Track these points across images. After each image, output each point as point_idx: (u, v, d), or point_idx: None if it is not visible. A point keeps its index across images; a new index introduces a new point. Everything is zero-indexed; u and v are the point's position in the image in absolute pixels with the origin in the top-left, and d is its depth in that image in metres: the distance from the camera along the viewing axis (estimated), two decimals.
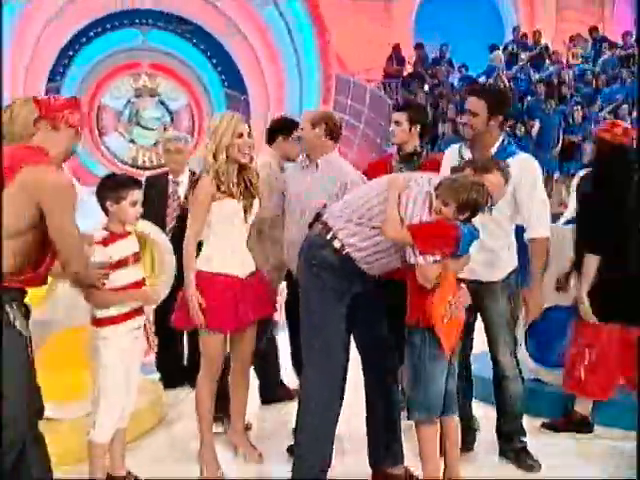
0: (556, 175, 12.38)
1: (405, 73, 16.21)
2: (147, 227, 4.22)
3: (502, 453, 3.91)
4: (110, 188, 3.41)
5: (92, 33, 14.66)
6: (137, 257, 3.50)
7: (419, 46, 16.41)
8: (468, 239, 3.31)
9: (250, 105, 14.99)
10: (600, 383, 4.19)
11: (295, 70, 14.91)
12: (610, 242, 4.05)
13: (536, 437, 4.08)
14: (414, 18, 18.08)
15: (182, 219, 4.30)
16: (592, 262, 4.05)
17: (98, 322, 3.39)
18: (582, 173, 9.73)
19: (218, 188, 3.51)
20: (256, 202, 3.66)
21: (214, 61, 15.33)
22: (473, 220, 3.34)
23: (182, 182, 5.07)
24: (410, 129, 4.10)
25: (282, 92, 15.02)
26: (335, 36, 15.90)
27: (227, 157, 3.50)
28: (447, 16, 17.04)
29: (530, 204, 3.68)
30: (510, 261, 3.82)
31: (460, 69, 16.11)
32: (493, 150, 3.76)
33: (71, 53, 14.64)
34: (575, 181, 9.35)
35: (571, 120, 12.92)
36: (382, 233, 3.30)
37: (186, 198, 4.70)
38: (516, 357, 3.89)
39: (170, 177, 5.07)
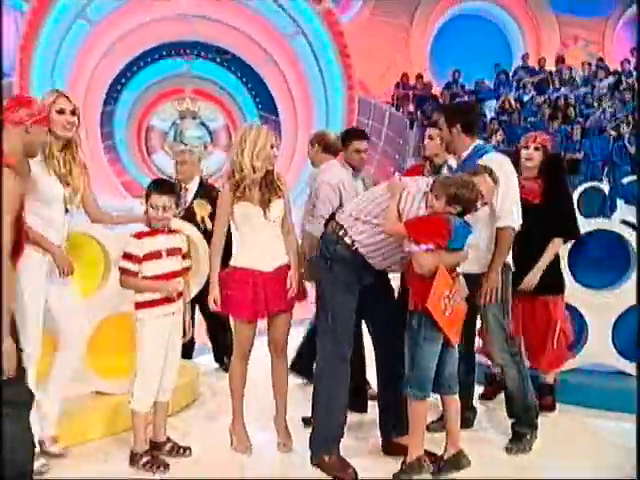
0: None
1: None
2: (186, 228, 4.28)
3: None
4: (153, 188, 3.66)
5: (142, 62, 15.04)
6: (173, 252, 3.65)
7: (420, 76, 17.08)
8: (461, 232, 3.39)
9: (281, 126, 15.23)
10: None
11: (322, 94, 15.11)
12: (572, 226, 4.38)
13: None
14: (430, 47, 18.46)
15: (188, 220, 4.66)
16: (558, 243, 4.33)
17: (137, 305, 3.61)
18: (582, 188, 10.22)
19: (235, 194, 3.61)
20: (277, 202, 3.66)
21: (249, 86, 15.64)
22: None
23: (190, 188, 5.28)
24: (441, 143, 4.17)
25: (310, 114, 15.22)
26: (359, 64, 16.30)
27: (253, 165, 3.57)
28: (461, 44, 17.39)
29: (498, 197, 3.69)
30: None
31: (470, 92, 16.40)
32: (465, 154, 3.91)
33: (124, 80, 15.02)
34: (577, 193, 9.83)
35: (572, 139, 13.27)
36: (382, 227, 3.45)
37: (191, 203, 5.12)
38: (509, 347, 3.90)
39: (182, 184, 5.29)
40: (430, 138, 4.42)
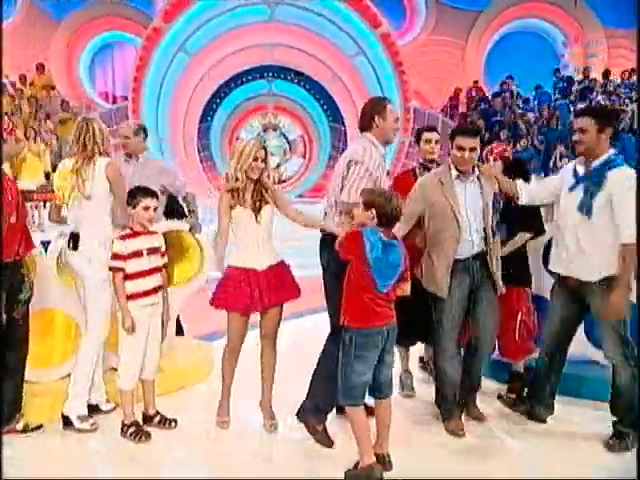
0: None
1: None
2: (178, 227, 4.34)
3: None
4: (130, 196, 3.49)
5: (233, 85, 15.31)
6: (153, 251, 3.53)
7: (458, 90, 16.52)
8: (376, 244, 2.98)
9: (347, 134, 15.10)
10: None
11: None
12: (536, 223, 4.02)
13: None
14: (485, 59, 17.75)
15: None
16: (521, 238, 3.96)
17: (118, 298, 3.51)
18: None
19: (231, 199, 3.47)
20: (267, 208, 3.52)
21: (320, 101, 15.60)
22: None
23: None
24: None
25: None
26: (420, 78, 15.99)
27: (246, 175, 3.45)
28: (514, 57, 16.72)
29: (623, 212, 3.24)
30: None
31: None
32: (597, 163, 3.37)
33: (218, 100, 15.34)
34: None
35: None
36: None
37: None
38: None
39: None
40: (436, 142, 4.16)
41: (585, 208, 3.36)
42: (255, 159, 3.43)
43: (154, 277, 3.61)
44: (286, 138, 16.25)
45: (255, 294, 3.49)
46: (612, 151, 3.40)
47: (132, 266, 3.51)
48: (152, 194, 3.58)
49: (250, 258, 3.54)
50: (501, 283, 3.62)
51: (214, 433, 3.67)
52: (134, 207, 3.53)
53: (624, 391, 3.45)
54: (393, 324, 3.13)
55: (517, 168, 4.15)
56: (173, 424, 3.73)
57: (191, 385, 4.37)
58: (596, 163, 3.38)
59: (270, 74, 15.33)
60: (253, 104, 15.66)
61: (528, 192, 3.70)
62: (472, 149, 3.48)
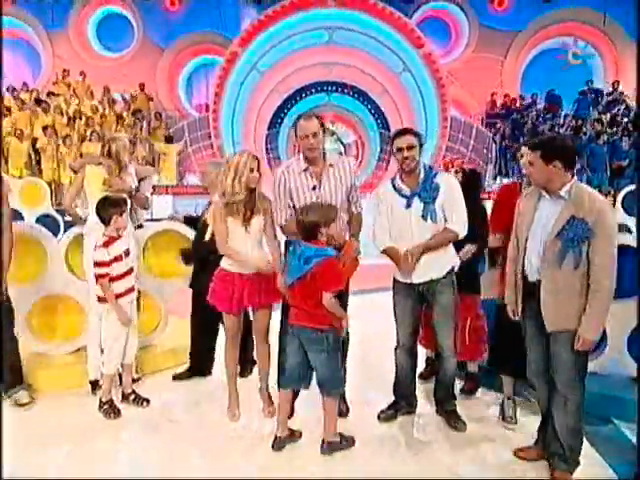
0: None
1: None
2: None
3: (437, 413, 3.30)
4: (115, 206, 3.25)
5: (298, 97, 14.85)
6: (128, 252, 3.32)
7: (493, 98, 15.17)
8: (291, 257, 2.77)
9: None
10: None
11: (422, 115, 14.07)
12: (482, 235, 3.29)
13: None
14: (522, 72, 16.30)
15: None
16: (471, 249, 3.39)
17: (99, 299, 3.32)
18: (627, 190, 8.46)
19: (224, 210, 3.08)
20: (257, 218, 3.09)
21: (372, 111, 14.91)
22: None
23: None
24: None
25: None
26: (463, 90, 15.01)
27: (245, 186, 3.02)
28: (549, 71, 15.33)
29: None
30: (451, 260, 3.11)
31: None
32: None
33: (285, 110, 14.92)
34: (621, 195, 8.16)
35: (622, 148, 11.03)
36: None
37: None
38: (455, 341, 3.13)
39: None
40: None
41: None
42: (251, 170, 3.02)
43: (131, 276, 3.41)
44: (342, 142, 15.67)
45: (235, 296, 3.13)
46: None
47: (115, 270, 3.28)
48: (126, 201, 3.39)
49: (238, 263, 3.13)
50: None
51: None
52: (120, 215, 3.26)
53: (448, 376, 3.20)
54: (300, 326, 2.83)
55: (473, 179, 3.60)
56: (145, 403, 3.46)
57: (182, 364, 4.06)
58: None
59: (328, 88, 14.77)
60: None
61: None
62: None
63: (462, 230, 2.99)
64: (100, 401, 3.36)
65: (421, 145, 3.01)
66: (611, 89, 14.29)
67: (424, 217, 2.98)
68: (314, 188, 3.05)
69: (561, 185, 2.52)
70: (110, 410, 3.32)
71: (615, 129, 11.44)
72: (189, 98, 17.02)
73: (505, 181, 12.50)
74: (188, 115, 15.65)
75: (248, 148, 14.57)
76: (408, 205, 3.00)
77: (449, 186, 2.99)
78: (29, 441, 2.99)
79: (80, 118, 12.39)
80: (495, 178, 12.59)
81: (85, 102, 13.43)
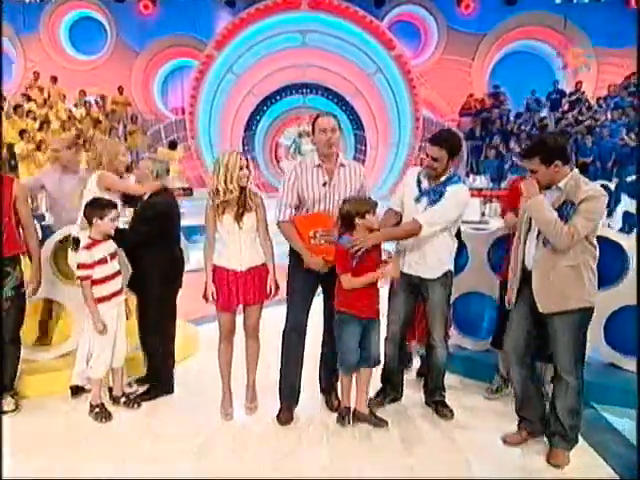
0: None
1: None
2: None
3: (425, 403, 3.31)
4: (97, 208, 3.13)
5: (273, 99, 14.81)
6: (113, 256, 3.19)
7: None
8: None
9: (367, 139, 14.60)
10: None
11: (395, 115, 14.19)
12: None
13: None
14: (489, 74, 16.55)
15: None
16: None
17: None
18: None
19: (217, 209, 3.05)
20: (249, 215, 3.05)
21: (347, 112, 14.87)
22: None
23: None
24: None
25: (387, 130, 14.39)
26: (433, 92, 15.16)
27: (237, 184, 2.97)
28: (515, 72, 15.52)
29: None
30: (442, 266, 3.09)
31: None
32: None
33: (261, 113, 14.86)
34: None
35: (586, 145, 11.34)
36: None
37: None
38: (446, 332, 3.19)
39: None
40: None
41: None
42: (241, 168, 2.98)
43: (117, 280, 3.23)
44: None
45: (232, 292, 3.10)
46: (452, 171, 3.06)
47: (98, 273, 3.14)
48: (115, 205, 3.22)
49: (231, 259, 3.10)
50: None
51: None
52: (102, 218, 3.11)
53: (439, 367, 3.23)
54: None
55: None
56: (136, 405, 3.35)
57: (181, 360, 3.95)
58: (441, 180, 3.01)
59: (304, 90, 14.75)
60: (290, 115, 15.11)
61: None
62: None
63: (426, 228, 2.95)
64: (90, 405, 3.25)
65: (451, 156, 2.98)
66: (574, 89, 14.68)
67: None
68: (324, 184, 3.04)
69: (562, 178, 2.59)
70: (101, 414, 3.20)
71: (579, 127, 11.73)
72: (164, 101, 16.78)
73: (475, 178, 12.72)
74: (165, 118, 15.43)
75: (225, 150, 14.44)
76: (417, 200, 3.06)
77: (452, 192, 3.01)
78: (15, 446, 2.89)
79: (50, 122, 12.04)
80: (467, 176, 12.75)
81: (59, 106, 13.10)
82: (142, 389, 3.51)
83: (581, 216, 2.49)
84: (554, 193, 2.62)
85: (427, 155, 3.03)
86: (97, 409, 3.23)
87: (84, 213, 3.18)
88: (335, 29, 13.69)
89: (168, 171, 3.58)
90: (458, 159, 3.16)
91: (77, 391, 3.46)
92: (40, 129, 11.94)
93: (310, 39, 13.80)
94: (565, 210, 2.53)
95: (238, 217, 3.04)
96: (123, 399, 3.40)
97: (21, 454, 2.81)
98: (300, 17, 13.53)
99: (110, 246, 3.22)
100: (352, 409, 3.12)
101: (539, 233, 2.63)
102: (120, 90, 14.57)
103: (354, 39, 13.79)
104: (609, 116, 11.87)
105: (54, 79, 14.08)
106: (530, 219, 2.70)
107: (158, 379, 3.53)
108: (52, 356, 3.79)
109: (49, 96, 13.40)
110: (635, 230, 3.43)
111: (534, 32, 15.93)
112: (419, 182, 3.12)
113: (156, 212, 3.34)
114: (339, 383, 3.20)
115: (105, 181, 3.43)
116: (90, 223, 3.16)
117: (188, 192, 9.75)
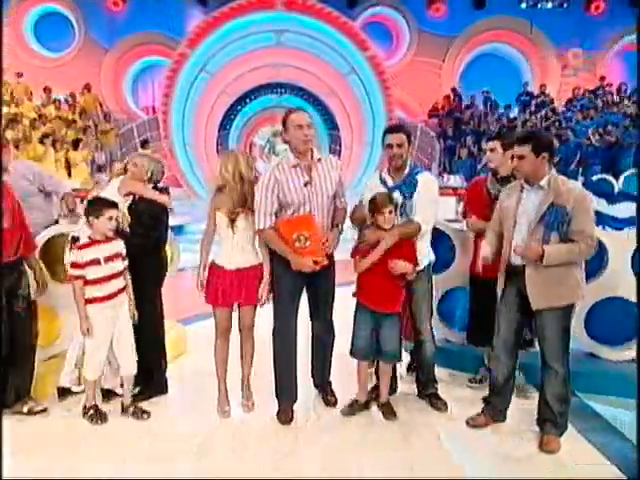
0: None
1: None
2: None
3: (418, 396, 3.38)
4: (93, 207, 3.07)
5: (247, 99, 14.68)
6: (112, 257, 3.07)
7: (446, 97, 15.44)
8: None
9: (341, 138, 14.61)
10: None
11: (370, 115, 14.24)
12: None
13: None
14: (459, 76, 16.85)
15: None
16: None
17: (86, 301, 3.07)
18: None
19: (216, 207, 3.08)
20: (243, 217, 3.05)
21: (322, 112, 14.85)
22: None
23: None
24: (503, 154, 3.22)
25: (361, 129, 14.44)
26: (405, 92, 15.33)
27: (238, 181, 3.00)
28: (484, 74, 15.86)
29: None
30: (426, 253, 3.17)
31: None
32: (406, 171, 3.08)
33: (235, 112, 14.70)
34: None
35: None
36: None
37: None
38: (431, 326, 3.25)
39: None
40: (492, 151, 3.31)
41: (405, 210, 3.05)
42: (247, 162, 3.09)
43: (114, 282, 3.12)
44: None
45: (224, 290, 3.12)
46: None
47: (91, 273, 3.05)
48: (114, 205, 3.12)
49: (223, 257, 3.14)
50: None
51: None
52: (97, 217, 3.03)
53: (429, 360, 3.31)
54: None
55: None
56: (145, 416, 3.24)
57: (172, 359, 3.89)
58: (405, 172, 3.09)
59: (278, 90, 14.65)
60: (264, 115, 14.93)
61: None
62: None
63: (424, 225, 3.04)
64: (84, 407, 3.20)
65: (409, 143, 3.08)
66: (539, 91, 15.12)
67: (401, 214, 3.06)
68: (306, 184, 3.01)
69: (542, 176, 2.69)
70: (95, 416, 3.16)
71: (546, 126, 12.10)
72: (135, 100, 16.45)
73: (449, 178, 12.95)
74: (137, 117, 15.13)
75: (199, 150, 14.37)
76: None
77: (424, 182, 3.07)
78: (15, 446, 2.83)
79: (20, 121, 11.61)
80: (441, 175, 12.97)
81: (25, 104, 12.67)
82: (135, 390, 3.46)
83: (583, 220, 2.60)
84: (538, 192, 2.72)
85: (389, 146, 3.06)
86: (91, 411, 3.18)
87: (84, 212, 3.13)
88: (309, 29, 13.68)
89: (163, 173, 3.58)
90: (412, 147, 3.25)
91: (64, 393, 3.41)
92: (7, 126, 11.51)
93: (285, 39, 13.75)
94: (555, 214, 2.62)
95: (232, 218, 3.04)
96: (132, 409, 3.27)
97: (21, 454, 2.76)
98: (275, 16, 13.48)
99: (114, 247, 3.13)
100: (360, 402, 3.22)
101: (530, 230, 2.73)
102: (88, 88, 14.20)
103: (328, 39, 13.80)
104: (579, 117, 12.25)
105: (19, 75, 13.61)
106: (515, 215, 2.79)
107: (150, 379, 3.48)
108: (38, 359, 3.65)
109: (12, 93, 12.93)
110: (624, 229, 3.61)
111: (502, 35, 16.32)
112: (384, 182, 3.14)
113: (166, 214, 3.47)
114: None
115: (133, 187, 3.37)
116: (88, 222, 3.10)
117: (165, 192, 9.61)
